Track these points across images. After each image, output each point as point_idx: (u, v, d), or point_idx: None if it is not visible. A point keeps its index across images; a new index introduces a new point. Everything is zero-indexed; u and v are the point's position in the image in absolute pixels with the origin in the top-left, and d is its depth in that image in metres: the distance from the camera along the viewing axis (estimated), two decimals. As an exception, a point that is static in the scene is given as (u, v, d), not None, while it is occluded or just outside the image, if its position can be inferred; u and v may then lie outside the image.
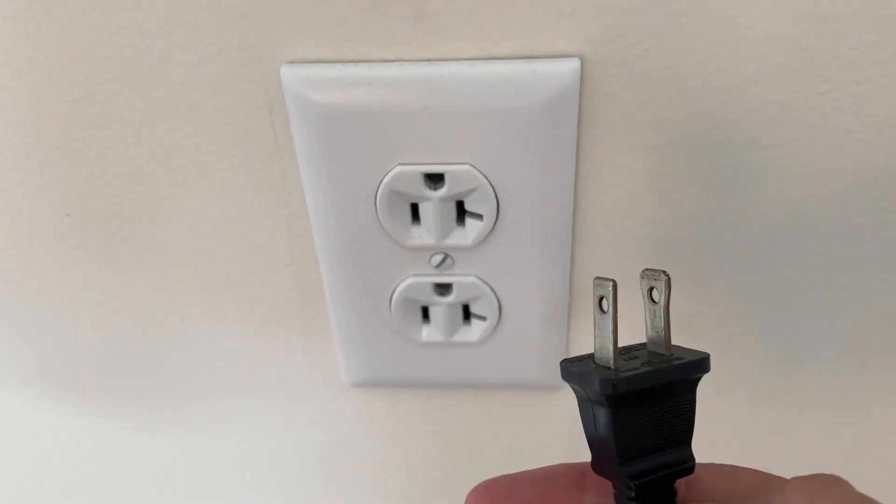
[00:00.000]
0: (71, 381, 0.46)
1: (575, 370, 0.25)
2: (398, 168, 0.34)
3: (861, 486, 0.23)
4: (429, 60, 0.32)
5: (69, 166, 0.37)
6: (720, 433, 0.44)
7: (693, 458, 0.25)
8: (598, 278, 0.25)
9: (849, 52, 0.30)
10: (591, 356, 0.25)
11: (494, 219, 0.35)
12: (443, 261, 0.37)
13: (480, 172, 0.34)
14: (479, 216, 0.35)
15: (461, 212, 0.36)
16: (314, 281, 0.40)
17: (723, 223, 0.36)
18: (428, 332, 0.40)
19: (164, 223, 0.38)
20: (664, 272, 0.25)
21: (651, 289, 0.26)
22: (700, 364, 0.25)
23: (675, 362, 0.24)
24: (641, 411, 0.24)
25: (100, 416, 0.48)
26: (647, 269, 0.26)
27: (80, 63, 0.34)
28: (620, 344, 0.25)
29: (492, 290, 0.38)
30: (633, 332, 0.28)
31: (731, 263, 0.37)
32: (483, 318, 0.39)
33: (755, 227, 0.36)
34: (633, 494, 0.24)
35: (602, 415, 0.24)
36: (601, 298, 0.25)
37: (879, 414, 0.42)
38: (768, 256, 0.36)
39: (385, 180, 0.34)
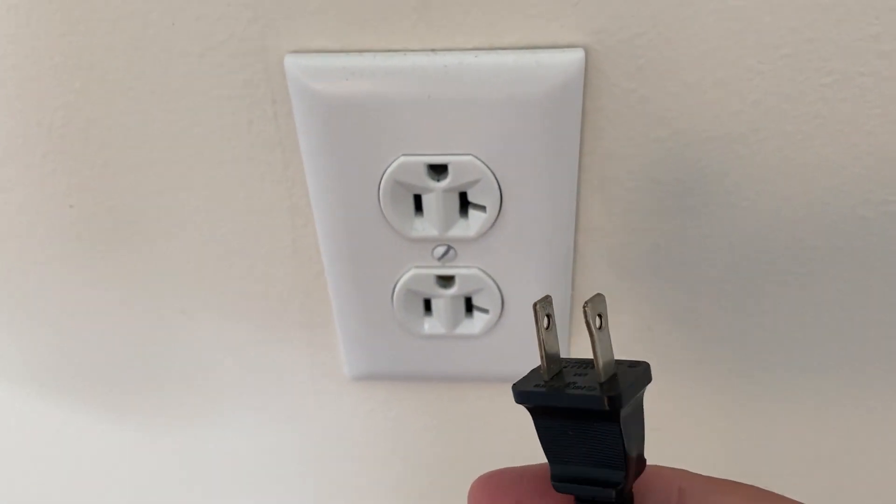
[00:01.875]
0: (71, 375, 0.46)
1: (520, 380, 0.26)
2: (401, 159, 0.34)
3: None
4: (433, 50, 0.32)
5: (71, 157, 0.37)
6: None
7: (622, 483, 0.24)
8: (538, 301, 0.25)
9: (854, 43, 0.30)
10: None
11: (497, 210, 0.35)
12: (445, 253, 0.37)
13: (484, 163, 0.34)
14: (482, 208, 0.35)
15: (464, 203, 0.36)
16: (316, 273, 0.40)
17: (726, 215, 0.35)
18: (430, 325, 0.40)
19: (165, 215, 0.38)
20: (587, 302, 0.24)
21: (598, 315, 0.24)
22: (591, 399, 0.23)
23: (571, 390, 0.24)
24: (564, 426, 0.24)
25: (100, 411, 0.48)
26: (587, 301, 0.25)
27: (83, 53, 0.34)
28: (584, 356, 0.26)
29: (494, 282, 0.38)
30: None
31: (733, 256, 0.37)
32: (485, 311, 0.39)
33: (758, 219, 0.36)
34: None
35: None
36: (546, 315, 0.25)
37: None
38: (770, 249, 0.36)
39: (388, 171, 0.34)
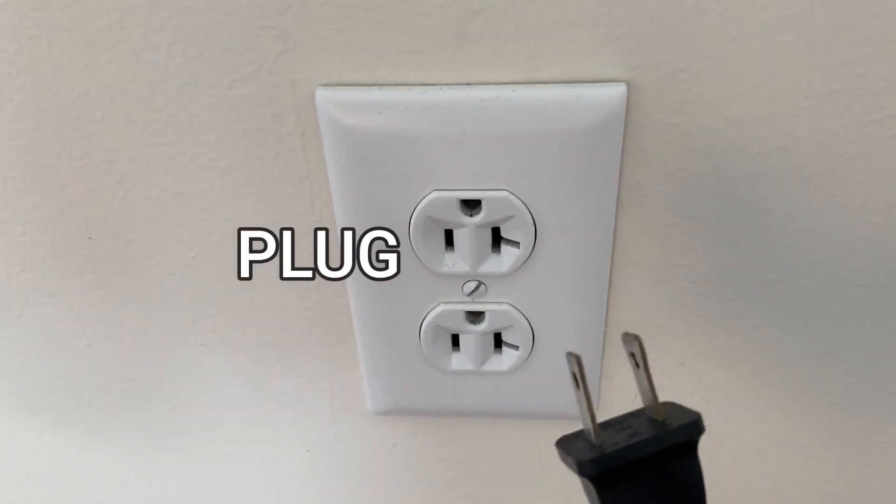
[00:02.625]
0: (86, 407, 0.45)
1: (563, 450, 0.23)
2: (434, 194, 0.33)
3: None
4: (469, 84, 0.31)
5: (91, 189, 0.36)
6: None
7: None
8: (569, 353, 0.23)
9: (905, 79, 0.29)
10: (582, 432, 0.23)
11: (532, 247, 0.34)
12: (476, 288, 0.36)
13: (519, 199, 0.33)
14: (515, 243, 0.34)
15: (496, 237, 0.35)
16: (340, 306, 0.39)
17: (765, 254, 0.34)
18: (458, 361, 0.39)
19: (186, 248, 0.37)
20: (635, 336, 0.23)
21: (631, 353, 0.24)
22: (690, 427, 0.22)
23: (663, 429, 0.22)
24: (636, 486, 0.22)
25: (114, 443, 0.47)
26: (624, 334, 0.24)
27: (105, 84, 0.33)
28: (619, 412, 0.24)
29: (525, 318, 0.37)
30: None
31: (774, 295, 0.36)
32: (515, 348, 0.38)
33: (799, 258, 0.35)
34: None
35: (594, 496, 0.22)
36: (573, 373, 0.23)
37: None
38: (811, 287, 0.35)
39: (420, 206, 0.33)
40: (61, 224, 0.37)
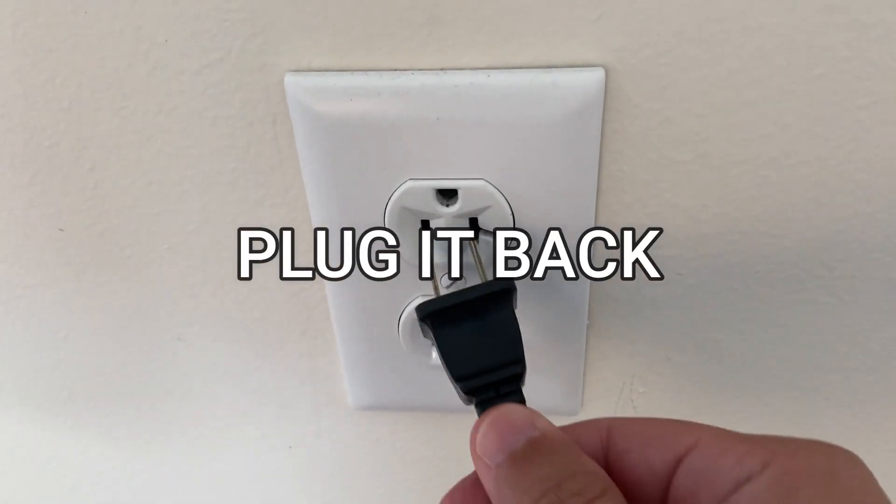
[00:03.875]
0: (65, 400, 0.44)
1: (415, 309, 0.30)
2: (409, 183, 0.32)
3: None
4: (442, 69, 0.30)
5: (61, 179, 0.35)
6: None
7: (522, 366, 0.29)
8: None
9: (894, 62, 0.28)
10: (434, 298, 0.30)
11: (510, 237, 0.33)
12: (455, 280, 0.35)
13: (496, 188, 0.32)
14: (493, 234, 0.33)
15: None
16: (319, 299, 0.38)
17: (753, 244, 0.33)
18: (437, 355, 0.38)
19: (160, 239, 0.36)
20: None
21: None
22: (501, 282, 0.29)
23: (481, 286, 0.29)
24: (463, 325, 0.29)
25: (93, 438, 0.46)
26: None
27: (71, 70, 0.32)
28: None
29: (506, 311, 0.36)
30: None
31: (762, 286, 0.35)
32: (496, 341, 0.37)
33: (787, 249, 0.33)
34: (474, 402, 0.28)
35: (430, 335, 0.30)
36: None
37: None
38: (800, 279, 0.34)
39: (395, 196, 0.32)
40: (32, 215, 0.36)
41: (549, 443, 0.23)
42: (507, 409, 0.25)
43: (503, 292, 0.29)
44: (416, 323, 0.36)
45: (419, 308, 0.29)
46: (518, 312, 0.36)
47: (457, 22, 0.29)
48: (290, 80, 0.31)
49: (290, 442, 0.44)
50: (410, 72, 0.30)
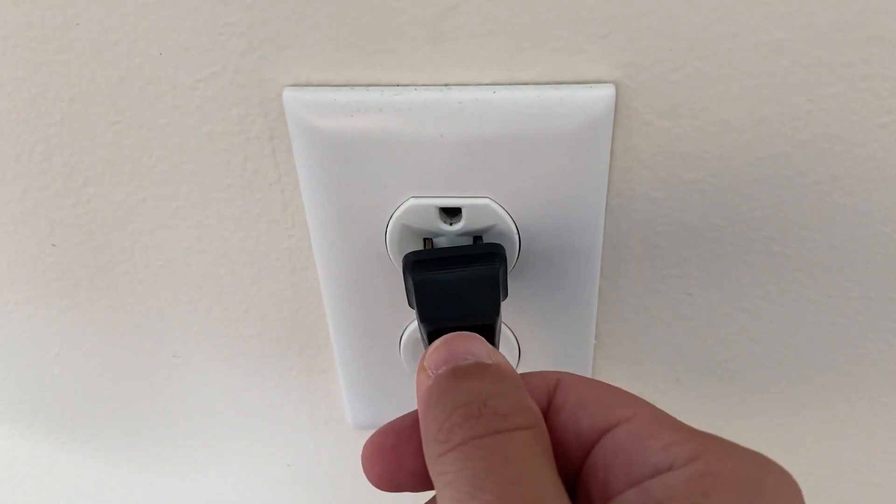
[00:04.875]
0: (59, 416, 0.43)
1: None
2: (410, 201, 0.31)
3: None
4: (446, 85, 0.29)
5: (53, 194, 0.34)
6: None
7: (493, 319, 0.28)
8: None
9: (914, 80, 0.27)
10: None
11: (516, 257, 0.32)
12: (457, 300, 0.34)
13: (501, 207, 0.31)
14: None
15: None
16: (318, 317, 0.37)
17: (765, 264, 0.32)
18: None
19: (155, 255, 0.35)
20: None
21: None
22: (493, 246, 0.30)
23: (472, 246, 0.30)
24: (441, 274, 0.28)
25: (88, 454, 0.45)
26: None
27: (63, 84, 0.31)
28: None
29: (511, 331, 0.35)
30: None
31: (774, 307, 0.34)
32: (500, 361, 0.36)
33: (801, 269, 0.32)
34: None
35: (409, 282, 0.29)
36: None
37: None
38: (813, 300, 0.33)
39: (396, 214, 0.31)
40: (24, 230, 0.35)
41: (497, 369, 0.22)
42: (468, 335, 0.24)
43: (489, 255, 0.29)
44: (418, 342, 0.35)
45: (405, 257, 0.30)
46: (522, 330, 0.35)
47: (461, 37, 0.28)
48: (288, 94, 0.30)
49: (289, 459, 0.43)
50: (413, 87, 0.29)
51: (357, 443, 0.42)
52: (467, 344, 0.23)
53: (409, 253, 0.30)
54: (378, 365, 0.37)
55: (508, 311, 0.34)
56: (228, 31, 0.29)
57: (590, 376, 0.36)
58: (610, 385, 0.23)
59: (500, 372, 0.22)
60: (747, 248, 0.32)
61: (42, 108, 0.32)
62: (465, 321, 0.27)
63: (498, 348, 0.27)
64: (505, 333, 0.35)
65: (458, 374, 0.22)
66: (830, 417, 0.38)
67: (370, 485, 0.43)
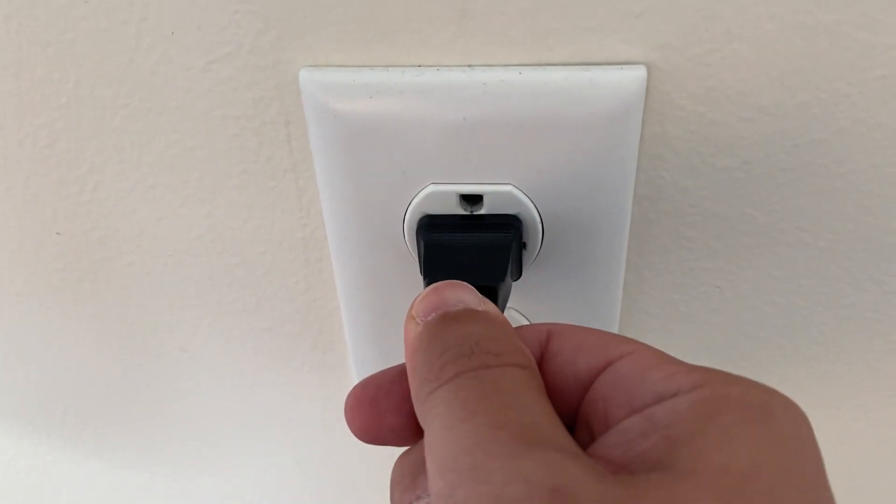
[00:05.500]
0: (61, 413, 0.42)
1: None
2: (430, 188, 0.30)
3: None
4: (470, 66, 0.28)
5: (58, 181, 0.33)
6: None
7: (497, 281, 0.27)
8: None
9: (962, 63, 0.26)
10: None
11: (539, 247, 0.31)
12: (477, 292, 0.33)
13: (525, 194, 0.29)
14: (521, 243, 0.31)
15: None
16: (331, 311, 0.36)
17: (798, 256, 0.31)
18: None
19: (163, 245, 0.34)
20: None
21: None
22: (509, 217, 0.29)
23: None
24: (454, 236, 0.29)
25: (90, 452, 0.44)
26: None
27: (70, 65, 0.29)
28: None
29: (531, 322, 0.34)
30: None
31: (807, 301, 0.33)
32: (520, 356, 0.35)
33: (835, 262, 0.31)
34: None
35: (420, 245, 0.29)
36: None
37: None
38: (846, 294, 0.32)
39: (415, 201, 0.30)
40: (27, 218, 0.34)
41: (487, 315, 0.22)
42: (458, 283, 0.23)
43: (504, 225, 0.29)
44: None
45: (420, 219, 0.30)
46: (542, 320, 0.34)
47: (489, 16, 0.27)
48: (305, 75, 0.28)
49: (298, 458, 0.42)
50: (436, 68, 0.28)
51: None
52: (457, 292, 0.23)
53: (425, 216, 0.30)
54: (394, 360, 0.36)
55: (530, 302, 0.33)
56: (243, 10, 0.28)
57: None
58: (606, 331, 0.23)
59: (491, 318, 0.22)
60: (779, 240, 0.31)
61: (47, 90, 0.30)
62: (469, 281, 0.26)
63: None
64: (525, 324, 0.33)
65: (449, 319, 0.22)
66: (861, 416, 0.36)
67: (381, 484, 0.42)
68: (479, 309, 0.22)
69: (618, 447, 0.18)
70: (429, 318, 0.22)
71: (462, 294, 0.23)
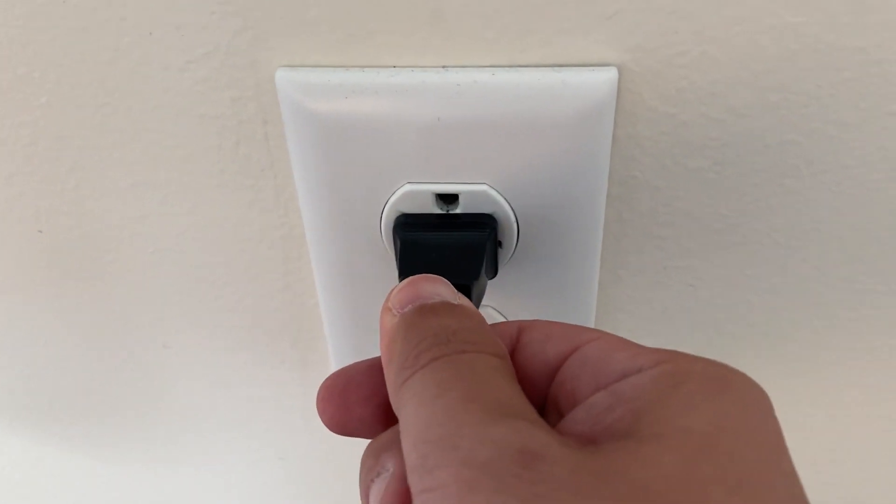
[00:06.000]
0: (46, 408, 0.42)
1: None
2: (406, 187, 0.30)
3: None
4: (444, 67, 0.28)
5: (40, 179, 0.33)
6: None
7: (471, 280, 0.28)
8: None
9: (928, 66, 0.26)
10: None
11: (514, 245, 0.31)
12: (455, 290, 0.33)
13: (500, 194, 0.30)
14: (497, 242, 0.31)
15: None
16: (310, 307, 0.36)
17: (770, 255, 0.32)
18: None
19: (145, 242, 0.34)
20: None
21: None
22: (484, 216, 0.29)
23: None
24: (428, 234, 0.29)
25: (76, 446, 0.44)
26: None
27: (50, 64, 0.30)
28: None
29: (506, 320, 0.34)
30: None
31: (780, 299, 0.33)
32: (498, 354, 0.35)
33: (807, 261, 0.32)
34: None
35: (397, 243, 0.30)
36: None
37: None
38: (819, 292, 0.33)
39: (391, 200, 0.30)
40: (10, 216, 0.34)
41: (462, 309, 0.22)
42: (434, 277, 0.24)
43: (479, 224, 0.29)
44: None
45: (397, 217, 0.30)
46: (518, 318, 0.34)
47: (462, 17, 0.27)
48: (281, 75, 0.29)
49: (282, 453, 0.43)
50: (410, 69, 0.28)
51: (351, 437, 0.41)
52: (433, 285, 0.23)
53: (402, 214, 0.30)
54: (373, 356, 0.36)
55: (506, 300, 0.33)
56: (221, 10, 0.28)
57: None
58: (573, 324, 0.23)
59: (467, 311, 0.22)
60: (752, 239, 0.31)
61: (27, 89, 0.31)
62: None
63: None
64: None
65: (426, 311, 0.22)
66: (837, 412, 0.37)
67: (364, 479, 0.43)
68: (455, 302, 0.23)
69: (585, 422, 0.19)
70: (405, 310, 0.22)
71: (438, 287, 0.23)
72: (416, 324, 0.22)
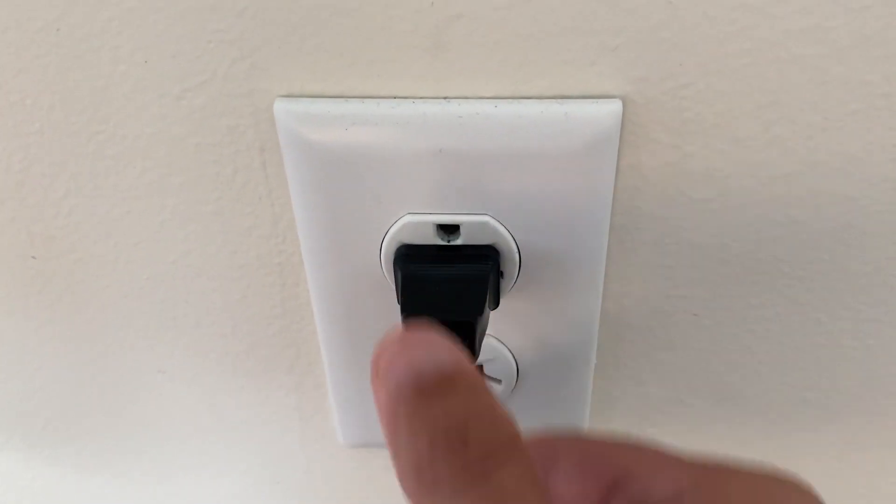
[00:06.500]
0: (40, 430, 0.42)
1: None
2: (407, 217, 0.30)
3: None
4: (446, 98, 0.28)
5: (33, 205, 0.32)
6: None
7: (474, 317, 0.27)
8: None
9: (936, 100, 0.26)
10: None
11: (516, 275, 0.31)
12: (455, 319, 0.32)
13: (502, 225, 0.29)
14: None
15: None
16: (308, 334, 0.35)
17: (774, 285, 0.31)
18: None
19: (139, 269, 0.34)
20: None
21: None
22: (485, 248, 0.29)
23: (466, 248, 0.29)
24: (430, 267, 0.29)
25: (70, 468, 0.44)
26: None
27: (43, 91, 0.29)
28: None
29: (510, 351, 0.33)
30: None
31: (783, 328, 0.33)
32: (498, 381, 0.35)
33: (811, 291, 0.31)
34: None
35: (398, 274, 0.29)
36: None
37: None
38: (822, 322, 0.32)
39: (392, 231, 0.30)
40: (2, 241, 0.34)
41: (464, 380, 0.20)
42: (427, 334, 0.21)
43: (482, 256, 0.29)
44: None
45: (398, 248, 0.30)
46: (521, 350, 0.34)
47: (464, 48, 0.26)
48: (280, 106, 0.28)
49: (278, 478, 0.42)
50: (411, 100, 0.28)
51: (348, 461, 0.41)
52: (427, 349, 0.21)
53: (403, 245, 0.29)
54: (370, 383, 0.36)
55: (508, 330, 0.33)
56: (218, 39, 0.27)
57: (589, 392, 0.34)
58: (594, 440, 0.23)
59: (469, 382, 0.20)
60: (756, 269, 0.31)
61: (20, 116, 0.30)
62: (446, 316, 0.27)
63: (478, 356, 0.28)
64: (503, 353, 0.33)
65: (426, 395, 0.20)
66: (837, 440, 0.36)
67: (362, 502, 0.42)
68: (452, 371, 0.21)
69: None
70: (400, 384, 0.20)
71: (432, 352, 0.21)
72: (418, 413, 0.20)
